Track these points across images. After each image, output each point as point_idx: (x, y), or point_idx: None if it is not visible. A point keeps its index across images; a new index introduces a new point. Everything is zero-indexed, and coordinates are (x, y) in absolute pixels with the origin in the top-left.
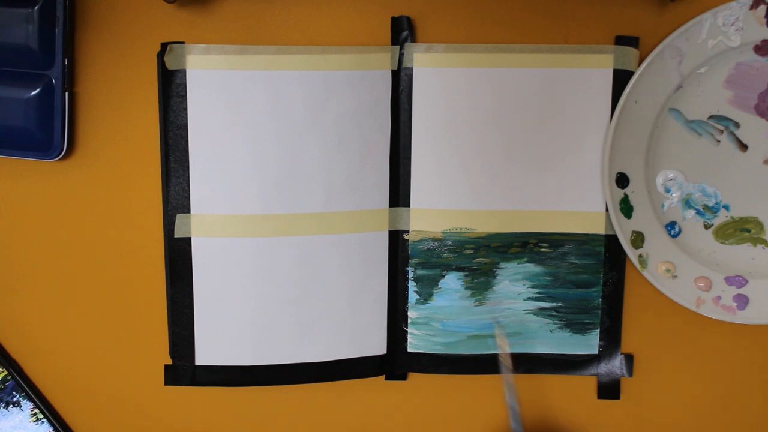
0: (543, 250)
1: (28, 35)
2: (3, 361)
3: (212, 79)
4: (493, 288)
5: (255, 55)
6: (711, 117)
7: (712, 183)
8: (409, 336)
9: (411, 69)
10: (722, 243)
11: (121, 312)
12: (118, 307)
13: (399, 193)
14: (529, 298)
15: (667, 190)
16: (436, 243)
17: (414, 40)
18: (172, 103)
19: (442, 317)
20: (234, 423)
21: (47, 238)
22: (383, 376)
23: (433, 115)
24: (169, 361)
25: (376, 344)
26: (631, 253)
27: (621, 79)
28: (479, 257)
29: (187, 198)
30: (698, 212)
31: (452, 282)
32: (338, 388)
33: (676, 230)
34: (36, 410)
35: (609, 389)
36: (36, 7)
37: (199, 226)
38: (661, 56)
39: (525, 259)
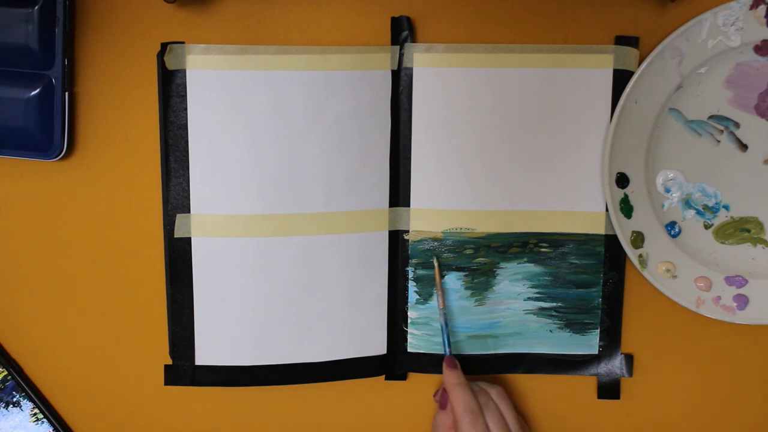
0: (543, 250)
1: (28, 35)
2: (3, 361)
3: (212, 79)
4: (493, 288)
5: (255, 55)
6: (711, 117)
7: (712, 183)
8: (409, 336)
9: (411, 69)
10: (722, 243)
11: (121, 312)
12: (118, 307)
13: (399, 193)
14: (529, 298)
15: (667, 190)
16: (436, 243)
17: (414, 40)
18: (172, 103)
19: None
20: (234, 423)
21: (47, 238)
22: (383, 376)
23: (433, 115)
24: (169, 361)
25: (376, 344)
26: (631, 253)
27: (621, 79)
28: (479, 257)
29: (187, 198)
30: (698, 212)
31: (452, 282)
32: (338, 388)
33: (676, 230)
34: (36, 410)
35: (609, 389)
36: (36, 7)
37: (199, 226)
38: (661, 56)
39: (525, 259)
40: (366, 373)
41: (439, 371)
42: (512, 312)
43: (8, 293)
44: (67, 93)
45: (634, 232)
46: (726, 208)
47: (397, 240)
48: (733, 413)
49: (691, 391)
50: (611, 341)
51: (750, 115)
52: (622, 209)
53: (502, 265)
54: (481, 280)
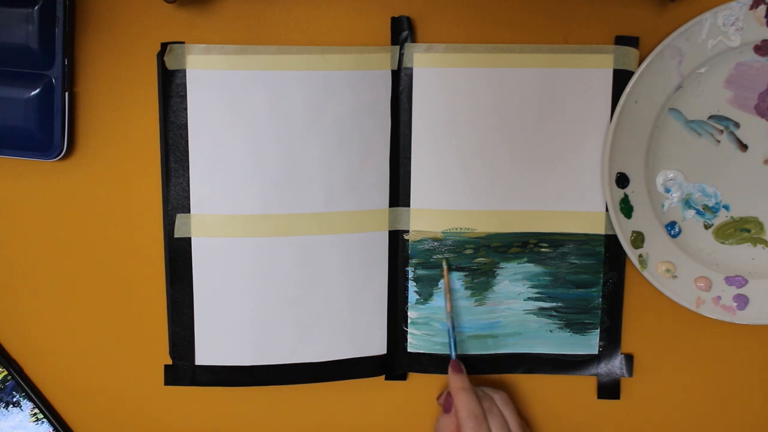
0: (543, 250)
1: (28, 35)
2: (3, 361)
3: (212, 79)
4: (493, 288)
5: (255, 55)
6: (711, 117)
7: (712, 183)
8: (409, 336)
9: (411, 69)
10: (722, 243)
11: (121, 312)
12: (118, 307)
13: (399, 193)
14: (529, 298)
15: (667, 190)
16: (436, 243)
17: (414, 40)
18: (172, 103)
19: (442, 317)
20: (234, 423)
21: (47, 238)
22: (383, 376)
23: (433, 115)
24: (169, 361)
25: (376, 344)
26: (631, 253)
27: (621, 79)
28: (479, 257)
29: (187, 198)
30: (698, 212)
31: (452, 282)
32: (338, 388)
33: (676, 230)
34: (36, 410)
35: (609, 389)
36: (36, 7)
37: (199, 226)
38: (661, 56)
39: (525, 259)
40: (366, 373)
41: (439, 371)
42: (512, 312)
43: (8, 293)
44: (67, 93)
45: (634, 232)
46: (726, 208)
47: (397, 240)
48: (733, 413)
49: (691, 391)
50: (611, 341)
51: (750, 115)
52: (622, 209)
53: (502, 265)
54: (481, 280)
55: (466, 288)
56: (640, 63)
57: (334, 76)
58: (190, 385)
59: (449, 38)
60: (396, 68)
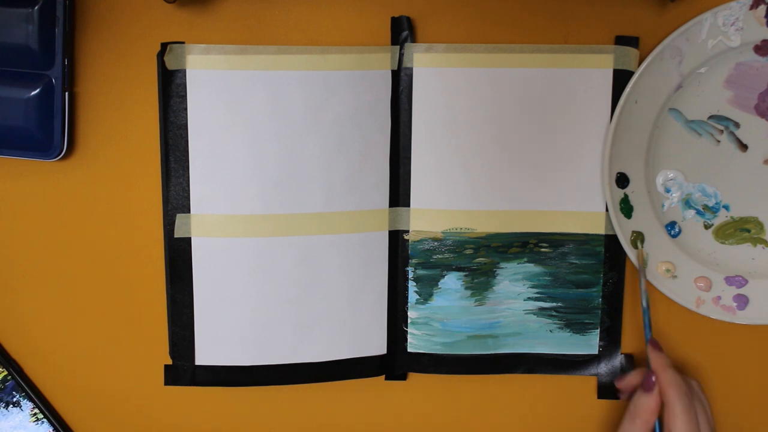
0: (543, 250)
1: (28, 35)
2: (3, 361)
3: (212, 79)
4: (493, 288)
5: (255, 55)
6: (711, 117)
7: (712, 183)
8: (409, 336)
9: (411, 69)
10: (722, 243)
11: (121, 312)
12: (118, 307)
13: (399, 193)
14: (529, 298)
15: (667, 190)
16: (436, 243)
17: (414, 40)
18: (172, 103)
19: (442, 317)
20: (234, 423)
21: (47, 238)
22: (383, 376)
23: (433, 115)
24: (169, 361)
25: (376, 344)
26: (631, 253)
27: (621, 79)
28: (479, 257)
29: (187, 198)
30: (698, 212)
31: (452, 282)
32: (338, 388)
33: (676, 230)
34: (36, 410)
35: (609, 389)
36: (36, 7)
37: (199, 226)
38: (661, 56)
39: (525, 259)
40: (366, 373)
41: (439, 371)
42: (512, 312)
43: (8, 293)
44: (67, 93)
45: (634, 232)
46: (726, 208)
47: (397, 240)
48: (733, 413)
49: None
50: (611, 341)
51: (750, 115)
52: (622, 209)
53: (502, 265)
54: (481, 280)
55: (466, 288)
56: (640, 63)
57: (334, 76)
58: (190, 385)
59: (449, 38)
60: (396, 68)
